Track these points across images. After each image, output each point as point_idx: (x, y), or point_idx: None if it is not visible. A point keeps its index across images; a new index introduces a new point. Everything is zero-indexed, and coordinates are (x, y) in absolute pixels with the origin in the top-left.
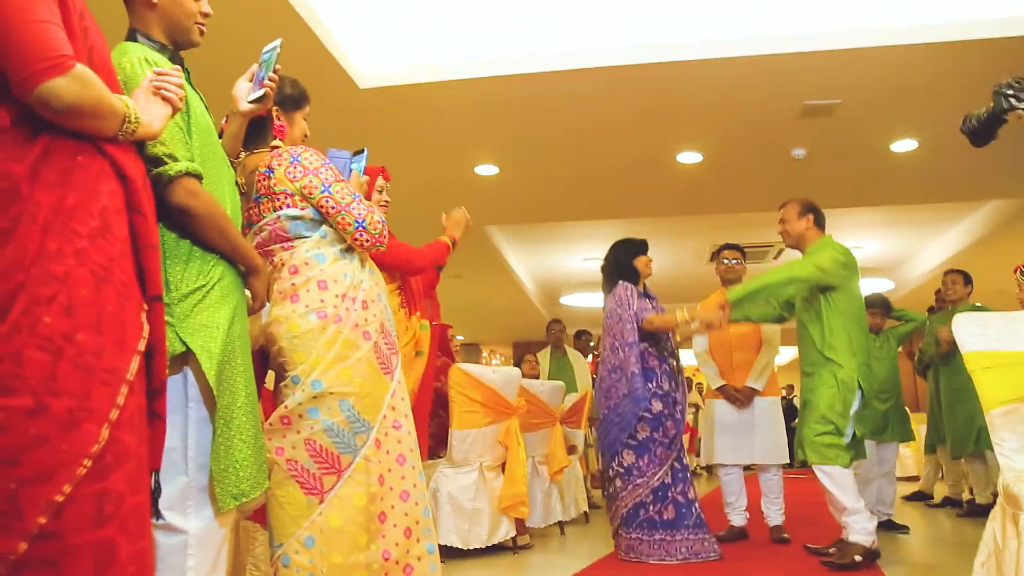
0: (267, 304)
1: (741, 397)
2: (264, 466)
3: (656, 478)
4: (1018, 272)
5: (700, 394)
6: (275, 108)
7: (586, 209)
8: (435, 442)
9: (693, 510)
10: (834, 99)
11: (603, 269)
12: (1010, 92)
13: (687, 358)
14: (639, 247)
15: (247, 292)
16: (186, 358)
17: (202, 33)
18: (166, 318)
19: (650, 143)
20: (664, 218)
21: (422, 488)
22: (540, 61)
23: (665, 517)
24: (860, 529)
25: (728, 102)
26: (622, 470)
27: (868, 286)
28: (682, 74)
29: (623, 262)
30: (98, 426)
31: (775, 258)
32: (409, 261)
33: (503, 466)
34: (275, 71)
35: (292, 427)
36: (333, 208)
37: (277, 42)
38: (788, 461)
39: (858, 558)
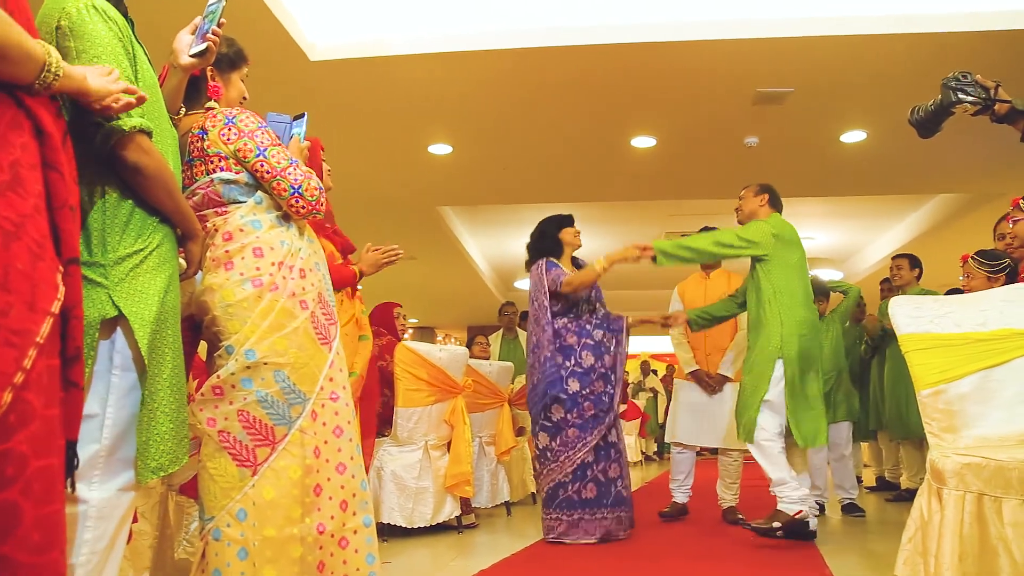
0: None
1: (712, 383)
2: (185, 440)
3: (572, 461)
4: (967, 261)
5: (658, 378)
6: (209, 68)
7: (541, 192)
8: (380, 421)
9: (612, 489)
10: (786, 87)
11: (528, 246)
12: (957, 85)
13: (661, 344)
14: (565, 219)
15: (181, 257)
16: (115, 324)
17: None
18: (100, 279)
19: (604, 126)
20: (619, 203)
21: (359, 461)
22: (494, 38)
23: (584, 496)
24: (786, 498)
25: (682, 86)
26: (538, 451)
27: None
28: (636, 56)
29: (548, 233)
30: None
31: None
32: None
33: (449, 445)
34: (219, 25)
35: (225, 398)
36: (268, 173)
37: None
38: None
39: (776, 525)
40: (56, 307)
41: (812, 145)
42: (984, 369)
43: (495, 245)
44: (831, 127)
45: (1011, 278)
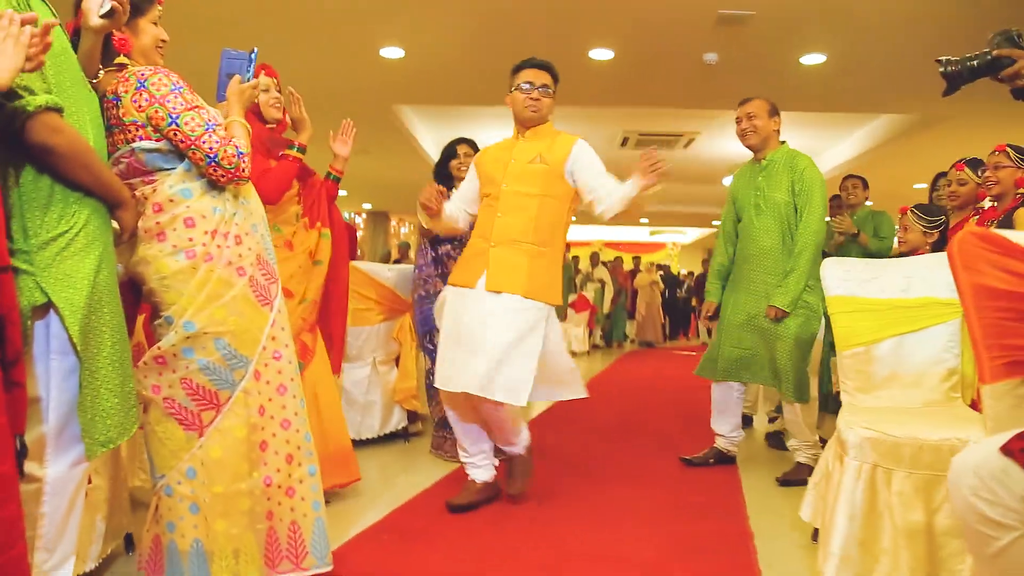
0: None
1: None
2: (133, 410)
3: None
4: (905, 213)
5: (607, 269)
6: None
7: (497, 95)
8: None
9: None
10: (748, 10)
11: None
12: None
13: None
14: (450, 150)
15: (114, 224)
16: (48, 308)
17: None
18: (25, 267)
19: (561, 37)
20: (577, 108)
21: (303, 415)
22: None
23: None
24: (811, 456)
25: (641, 2)
26: (428, 376)
27: None
28: None
29: (438, 168)
30: None
31: (685, 147)
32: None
33: (397, 360)
34: None
35: (168, 366)
36: (183, 142)
37: None
38: None
39: (805, 477)
40: None
41: (771, 66)
42: (900, 335)
43: (452, 138)
44: (791, 50)
45: (944, 234)
